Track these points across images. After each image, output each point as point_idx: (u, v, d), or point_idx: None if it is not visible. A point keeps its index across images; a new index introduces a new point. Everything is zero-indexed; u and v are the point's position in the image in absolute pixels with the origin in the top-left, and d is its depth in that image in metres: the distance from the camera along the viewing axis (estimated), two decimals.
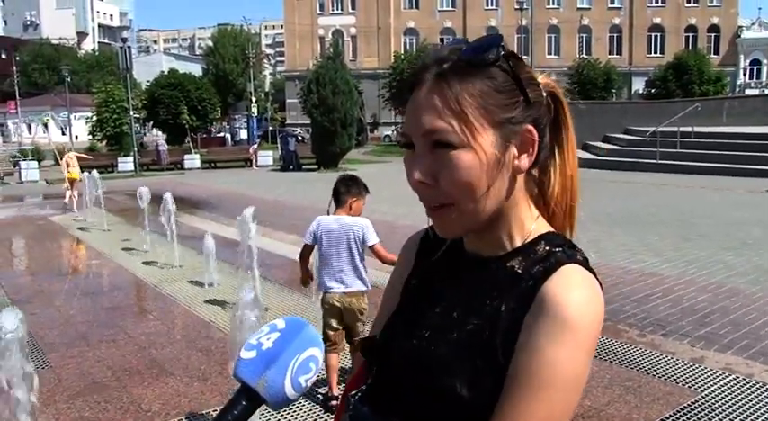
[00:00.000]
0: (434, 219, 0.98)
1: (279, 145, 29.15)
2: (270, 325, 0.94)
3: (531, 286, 0.92)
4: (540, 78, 1.01)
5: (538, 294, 0.91)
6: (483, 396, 0.90)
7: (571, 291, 0.90)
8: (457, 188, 0.92)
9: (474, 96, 0.91)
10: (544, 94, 0.99)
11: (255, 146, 29.19)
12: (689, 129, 20.05)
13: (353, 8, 56.33)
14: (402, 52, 48.57)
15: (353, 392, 1.09)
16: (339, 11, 56.67)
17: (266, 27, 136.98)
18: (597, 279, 0.95)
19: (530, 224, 1.01)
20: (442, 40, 52.99)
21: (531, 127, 0.95)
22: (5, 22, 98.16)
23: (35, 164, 25.20)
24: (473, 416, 0.91)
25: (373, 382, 1.06)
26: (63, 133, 52.15)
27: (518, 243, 1.00)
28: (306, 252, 4.28)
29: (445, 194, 0.93)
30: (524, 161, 0.96)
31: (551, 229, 1.02)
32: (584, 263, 0.96)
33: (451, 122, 0.91)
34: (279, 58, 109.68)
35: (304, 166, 25.76)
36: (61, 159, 16.93)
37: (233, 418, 0.88)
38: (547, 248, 0.97)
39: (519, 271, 0.96)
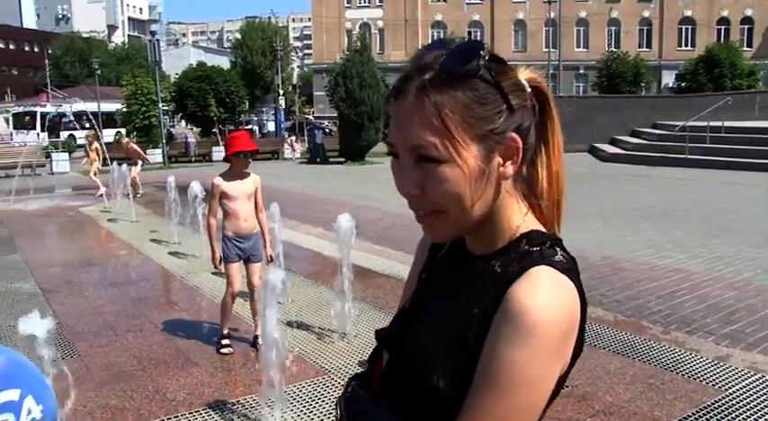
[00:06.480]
0: (424, 224, 1.00)
1: (306, 137, 29.21)
2: None
3: (503, 287, 0.93)
4: (526, 73, 1.01)
5: (505, 296, 0.91)
6: (458, 391, 0.92)
7: (535, 295, 0.90)
8: (445, 199, 0.94)
9: (456, 110, 0.91)
10: (528, 90, 0.98)
11: (293, 138, 29.54)
12: (719, 123, 19.74)
13: (381, 1, 56.19)
14: None
15: (356, 375, 1.14)
16: (367, 3, 56.51)
17: (294, 20, 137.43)
18: (576, 281, 0.95)
19: (517, 221, 1.01)
20: (469, 32, 52.71)
21: (515, 135, 0.95)
22: (38, 15, 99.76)
23: (66, 155, 25.48)
24: (449, 410, 0.93)
25: (384, 369, 1.09)
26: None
27: (505, 241, 1.01)
28: None
29: (434, 204, 0.95)
30: (509, 168, 0.97)
31: (538, 227, 1.02)
32: (563, 263, 0.95)
33: (434, 139, 0.91)
34: (306, 51, 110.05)
35: (331, 159, 25.78)
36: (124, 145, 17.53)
37: None
38: (526, 248, 0.98)
39: (498, 270, 0.97)
